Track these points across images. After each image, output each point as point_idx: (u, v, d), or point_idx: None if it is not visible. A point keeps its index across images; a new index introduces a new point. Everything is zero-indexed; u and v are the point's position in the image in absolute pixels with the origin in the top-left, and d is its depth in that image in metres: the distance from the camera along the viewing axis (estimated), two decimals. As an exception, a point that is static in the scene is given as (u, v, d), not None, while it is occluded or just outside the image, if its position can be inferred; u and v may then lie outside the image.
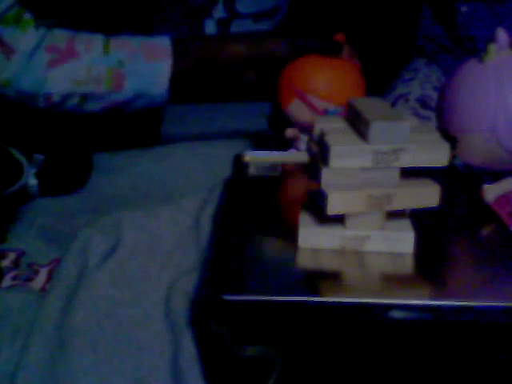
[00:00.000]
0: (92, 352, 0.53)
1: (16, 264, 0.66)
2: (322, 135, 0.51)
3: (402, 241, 0.52)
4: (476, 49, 0.90)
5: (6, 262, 0.66)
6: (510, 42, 0.61)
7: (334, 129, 0.53)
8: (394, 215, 0.53)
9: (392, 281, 0.50)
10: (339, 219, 0.52)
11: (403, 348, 0.48)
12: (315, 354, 0.48)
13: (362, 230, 0.52)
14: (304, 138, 0.76)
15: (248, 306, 0.46)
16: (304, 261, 0.52)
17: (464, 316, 0.46)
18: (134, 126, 0.91)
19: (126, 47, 0.76)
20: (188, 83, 0.80)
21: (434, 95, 0.90)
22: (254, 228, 0.57)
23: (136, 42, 0.77)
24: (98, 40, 0.76)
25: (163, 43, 0.77)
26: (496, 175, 0.63)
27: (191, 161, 0.85)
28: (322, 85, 0.74)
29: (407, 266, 0.52)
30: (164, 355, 0.53)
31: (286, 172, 0.69)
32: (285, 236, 0.55)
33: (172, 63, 0.76)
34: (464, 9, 0.89)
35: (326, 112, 0.73)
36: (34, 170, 0.79)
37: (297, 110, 0.75)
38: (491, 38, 0.61)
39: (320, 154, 0.52)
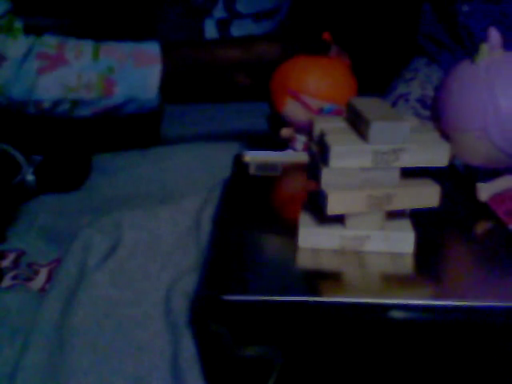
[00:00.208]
0: (92, 352, 0.53)
1: (16, 264, 0.66)
2: (322, 135, 0.51)
3: (402, 241, 0.52)
4: (476, 49, 0.90)
5: (6, 262, 0.66)
6: (502, 41, 0.61)
7: (334, 129, 0.53)
8: (394, 215, 0.53)
9: (392, 281, 0.50)
10: (339, 219, 0.52)
11: (403, 348, 0.48)
12: (315, 354, 0.48)
13: (362, 230, 0.52)
14: (300, 138, 0.76)
15: (248, 306, 0.46)
16: (304, 261, 0.52)
17: (464, 316, 0.46)
18: (134, 126, 0.91)
19: (116, 53, 0.77)
20: (181, 87, 0.80)
21: (435, 95, 0.90)
22: (254, 228, 0.57)
23: (126, 47, 0.78)
24: (87, 46, 0.77)
25: (153, 49, 0.78)
26: (495, 174, 0.63)
27: (191, 161, 0.85)
28: (313, 83, 0.75)
29: (407, 266, 0.52)
30: (164, 355, 0.53)
31: (285, 172, 0.70)
32: (285, 236, 0.55)
33: (162, 68, 0.77)
34: (465, 8, 0.89)
35: (320, 110, 0.73)
36: (31, 169, 0.79)
37: (291, 110, 0.75)
38: (484, 38, 0.61)
39: (320, 153, 0.52)
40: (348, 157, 0.49)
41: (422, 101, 0.92)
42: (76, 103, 0.76)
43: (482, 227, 0.60)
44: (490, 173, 0.64)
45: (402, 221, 0.54)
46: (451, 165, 0.67)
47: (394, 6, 1.32)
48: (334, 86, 0.75)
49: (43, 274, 0.64)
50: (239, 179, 0.68)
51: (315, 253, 0.52)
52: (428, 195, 0.52)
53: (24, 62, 0.74)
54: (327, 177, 0.50)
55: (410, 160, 0.50)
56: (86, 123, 0.82)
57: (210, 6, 1.16)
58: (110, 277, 0.60)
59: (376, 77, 1.02)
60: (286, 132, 0.77)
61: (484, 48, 0.61)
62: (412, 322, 0.46)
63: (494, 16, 0.88)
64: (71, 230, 0.67)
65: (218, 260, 0.52)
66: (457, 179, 0.67)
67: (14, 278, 0.63)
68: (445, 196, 0.52)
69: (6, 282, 0.63)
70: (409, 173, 0.52)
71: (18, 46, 0.74)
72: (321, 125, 0.54)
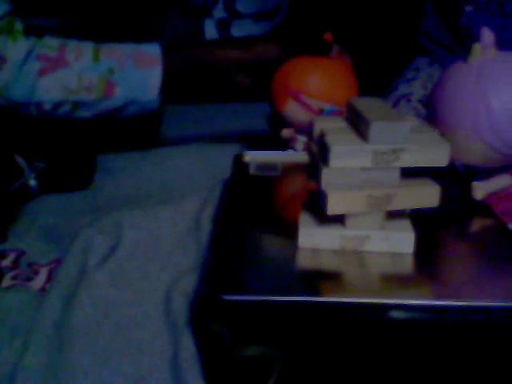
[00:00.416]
0: (91, 352, 0.53)
1: (16, 264, 0.66)
2: (322, 135, 0.51)
3: (402, 241, 0.52)
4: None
5: (6, 262, 0.66)
6: (495, 41, 0.61)
7: (334, 129, 0.53)
8: (394, 215, 0.53)
9: (392, 281, 0.50)
10: (339, 219, 0.52)
11: (403, 348, 0.48)
12: (315, 354, 0.48)
13: (362, 230, 0.52)
14: (300, 139, 0.76)
15: (248, 306, 0.46)
16: (304, 261, 0.52)
17: (464, 316, 0.46)
18: (134, 127, 0.91)
19: (116, 55, 0.77)
20: (181, 87, 0.80)
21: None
22: (253, 228, 0.57)
23: (126, 48, 0.78)
24: (88, 47, 0.77)
25: (153, 50, 0.78)
26: (493, 173, 0.63)
27: (191, 162, 0.85)
28: (314, 84, 0.74)
29: (407, 266, 0.52)
30: (164, 355, 0.53)
31: (285, 172, 0.70)
32: (285, 236, 0.55)
33: (162, 70, 0.77)
34: (468, 9, 0.89)
35: (321, 111, 0.73)
36: (33, 174, 0.79)
37: (292, 111, 0.75)
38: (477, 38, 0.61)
39: (320, 153, 0.52)
40: (348, 157, 0.49)
41: (423, 101, 0.92)
42: (77, 105, 0.77)
43: (482, 227, 0.60)
44: (488, 172, 0.64)
45: (402, 221, 0.54)
46: (451, 165, 0.67)
47: (395, 5, 1.32)
48: (335, 86, 0.75)
49: (43, 274, 0.64)
50: (239, 179, 0.68)
51: (315, 253, 0.52)
52: (428, 195, 0.52)
53: (25, 64, 0.74)
54: (327, 177, 0.50)
55: (410, 160, 0.50)
56: (86, 124, 0.82)
57: (210, 6, 1.16)
58: (110, 277, 0.60)
59: (377, 77, 1.01)
60: (286, 132, 0.77)
61: (476, 48, 0.61)
62: (412, 321, 0.46)
63: (496, 17, 0.88)
64: (71, 230, 0.68)
65: (218, 260, 0.52)
66: (457, 179, 0.67)
67: (14, 278, 0.63)
68: (445, 196, 0.52)
69: (6, 282, 0.63)
70: (409, 173, 0.52)
71: (18, 47, 0.74)
72: (321, 125, 0.54)
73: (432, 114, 0.64)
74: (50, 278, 0.63)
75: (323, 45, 0.78)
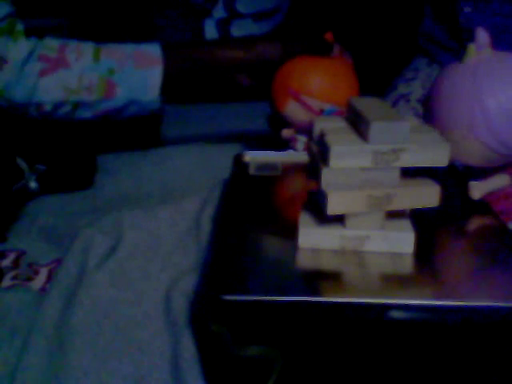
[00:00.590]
0: (91, 352, 0.53)
1: (16, 264, 0.66)
2: (322, 135, 0.51)
3: (402, 241, 0.52)
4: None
5: (7, 262, 0.66)
6: (489, 41, 0.61)
7: (334, 129, 0.53)
8: (394, 215, 0.53)
9: (392, 281, 0.50)
10: (339, 219, 0.52)
11: (403, 348, 0.48)
12: (315, 354, 0.48)
13: (362, 230, 0.52)
14: (300, 139, 0.76)
15: (248, 306, 0.46)
16: (304, 261, 0.52)
17: (464, 316, 0.46)
18: (134, 127, 0.91)
19: (117, 55, 0.76)
20: (181, 87, 0.80)
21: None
22: (254, 228, 0.57)
23: (126, 48, 0.78)
24: (88, 48, 0.76)
25: (154, 50, 0.78)
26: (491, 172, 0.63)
27: (191, 162, 0.85)
28: (315, 84, 0.74)
29: (407, 265, 0.52)
30: (164, 355, 0.53)
31: (285, 172, 0.70)
32: (285, 236, 0.55)
33: (163, 70, 0.77)
34: (468, 9, 0.89)
35: (321, 111, 0.73)
36: (34, 176, 0.80)
37: (293, 111, 0.75)
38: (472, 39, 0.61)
39: (320, 154, 0.52)
40: (348, 157, 0.49)
41: (422, 101, 0.92)
42: (77, 105, 0.76)
43: (481, 227, 0.60)
44: (487, 171, 0.63)
45: (402, 221, 0.54)
46: (451, 165, 0.67)
47: (395, 6, 1.32)
48: (336, 86, 0.75)
49: (43, 274, 0.64)
50: (239, 179, 0.68)
51: (315, 253, 0.52)
52: (428, 195, 0.52)
53: (25, 65, 0.74)
54: (327, 177, 0.50)
55: (410, 160, 0.50)
56: (86, 125, 0.82)
57: (210, 5, 1.16)
58: (110, 277, 0.60)
59: (376, 76, 1.01)
60: (286, 133, 0.77)
61: (471, 48, 0.61)
62: (412, 321, 0.46)
63: (495, 17, 0.88)
64: (71, 230, 0.68)
65: (218, 260, 0.52)
66: (456, 179, 0.67)
67: (14, 278, 0.63)
68: (445, 196, 0.52)
69: (6, 282, 0.63)
70: (409, 173, 0.52)
71: (19, 48, 0.74)
72: (321, 125, 0.54)
73: (429, 114, 0.64)
74: (50, 278, 0.63)
75: (324, 45, 0.78)
